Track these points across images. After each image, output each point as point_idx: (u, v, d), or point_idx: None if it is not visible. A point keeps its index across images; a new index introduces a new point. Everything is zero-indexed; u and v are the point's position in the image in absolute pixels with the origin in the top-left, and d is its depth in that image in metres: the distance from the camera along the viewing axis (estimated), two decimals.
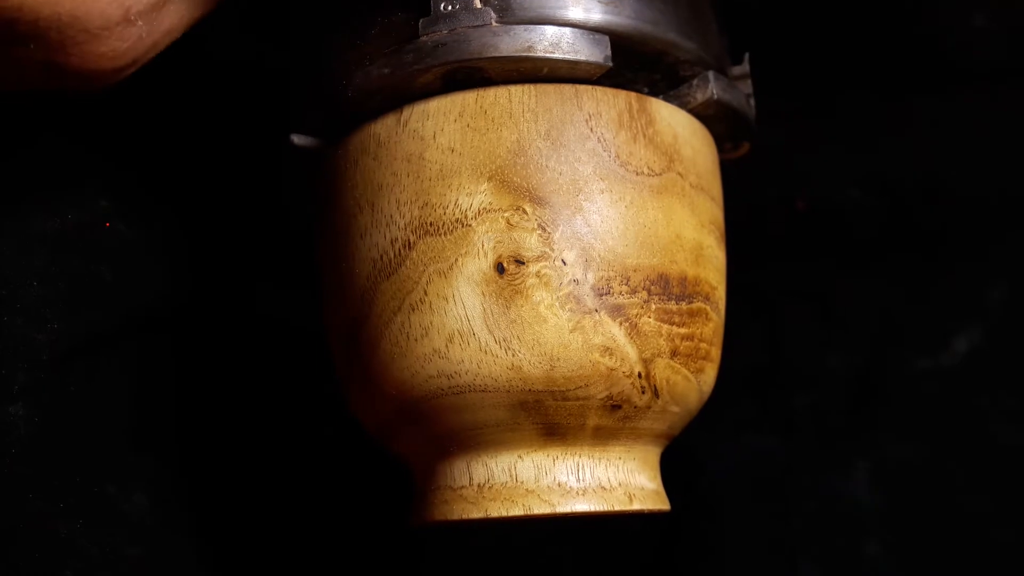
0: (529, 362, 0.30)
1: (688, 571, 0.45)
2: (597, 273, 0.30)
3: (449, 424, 0.31)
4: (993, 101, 0.45)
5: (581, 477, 0.31)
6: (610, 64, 0.30)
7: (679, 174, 0.31)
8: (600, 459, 0.31)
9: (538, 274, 0.30)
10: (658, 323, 0.30)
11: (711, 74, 0.33)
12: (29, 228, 0.39)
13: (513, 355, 0.30)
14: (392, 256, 0.30)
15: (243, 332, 0.42)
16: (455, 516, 0.31)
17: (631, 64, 0.32)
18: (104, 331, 0.40)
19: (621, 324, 0.30)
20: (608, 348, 0.30)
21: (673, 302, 0.31)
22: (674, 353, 0.31)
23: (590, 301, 0.30)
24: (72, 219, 0.40)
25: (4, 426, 0.37)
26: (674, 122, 0.32)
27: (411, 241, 0.30)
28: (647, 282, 0.30)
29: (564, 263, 0.30)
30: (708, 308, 0.32)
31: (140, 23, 0.30)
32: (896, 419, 0.44)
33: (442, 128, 0.30)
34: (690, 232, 0.31)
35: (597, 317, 0.30)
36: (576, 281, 0.30)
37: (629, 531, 0.45)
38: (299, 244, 0.40)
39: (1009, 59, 0.44)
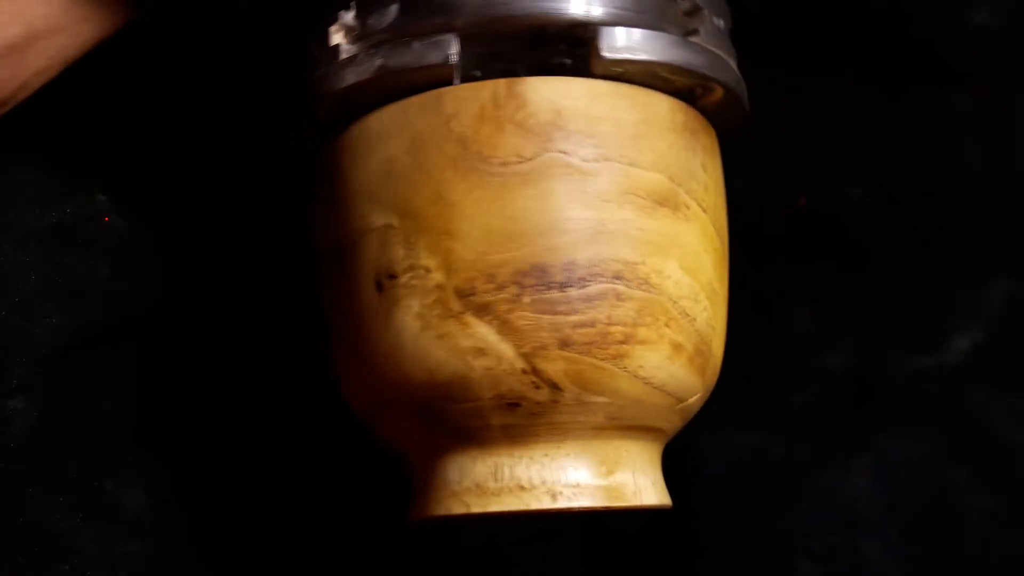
0: (413, 372, 0.30)
1: (686, 570, 0.44)
2: (460, 275, 0.30)
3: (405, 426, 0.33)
4: (993, 100, 0.45)
5: (498, 477, 0.31)
6: (454, 62, 0.30)
7: (562, 151, 0.30)
8: (521, 457, 0.31)
9: (406, 285, 0.30)
10: (536, 315, 0.29)
11: (602, 31, 0.31)
12: (27, 223, 0.39)
13: (400, 366, 0.31)
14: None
15: (241, 329, 0.42)
16: (428, 514, 0.32)
17: (533, 45, 0.31)
18: (102, 326, 0.40)
19: (490, 323, 0.29)
20: (480, 349, 0.29)
21: (556, 290, 0.30)
22: (565, 343, 0.30)
23: (455, 305, 0.29)
24: (70, 214, 0.40)
25: (2, 421, 0.38)
26: (557, 96, 0.30)
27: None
28: (517, 275, 0.29)
29: (427, 271, 0.30)
30: (622, 287, 0.30)
31: None
32: (895, 418, 0.44)
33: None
34: (580, 211, 0.30)
35: (463, 319, 0.29)
36: (440, 287, 0.30)
37: (627, 530, 0.44)
38: (297, 242, 0.40)
39: (1009, 58, 0.44)
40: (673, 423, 0.33)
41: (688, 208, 0.31)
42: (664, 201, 0.31)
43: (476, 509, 0.31)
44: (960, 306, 0.44)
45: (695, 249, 0.31)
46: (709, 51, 0.33)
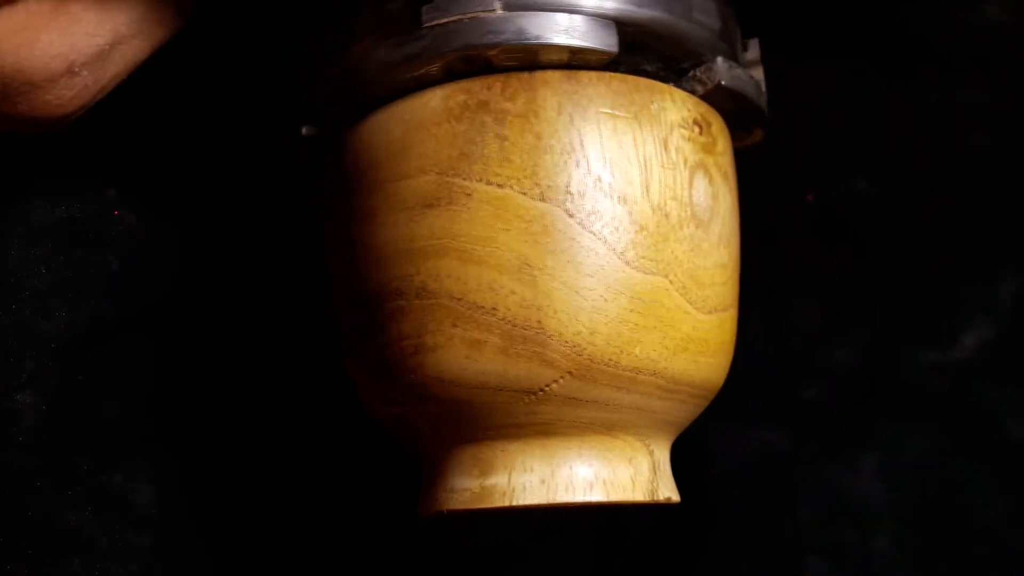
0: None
1: (695, 567, 0.44)
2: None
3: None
4: (1003, 93, 0.44)
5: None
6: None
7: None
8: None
9: None
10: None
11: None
12: (37, 217, 0.39)
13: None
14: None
15: (250, 324, 0.42)
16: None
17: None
18: (111, 321, 0.40)
19: None
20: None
21: (369, 317, 0.32)
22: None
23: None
24: (80, 208, 0.40)
25: (12, 414, 0.37)
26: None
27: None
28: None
29: None
30: (403, 302, 0.31)
31: (85, 73, 0.31)
32: (904, 413, 0.44)
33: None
34: (368, 238, 0.33)
35: None
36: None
37: (638, 527, 0.44)
38: (305, 237, 0.40)
39: (1019, 51, 0.44)
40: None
41: (470, 194, 0.30)
42: (435, 200, 0.31)
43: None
44: (969, 301, 0.43)
45: (482, 235, 0.30)
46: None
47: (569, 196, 0.30)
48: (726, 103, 0.34)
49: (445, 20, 0.30)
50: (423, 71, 0.31)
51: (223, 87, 0.43)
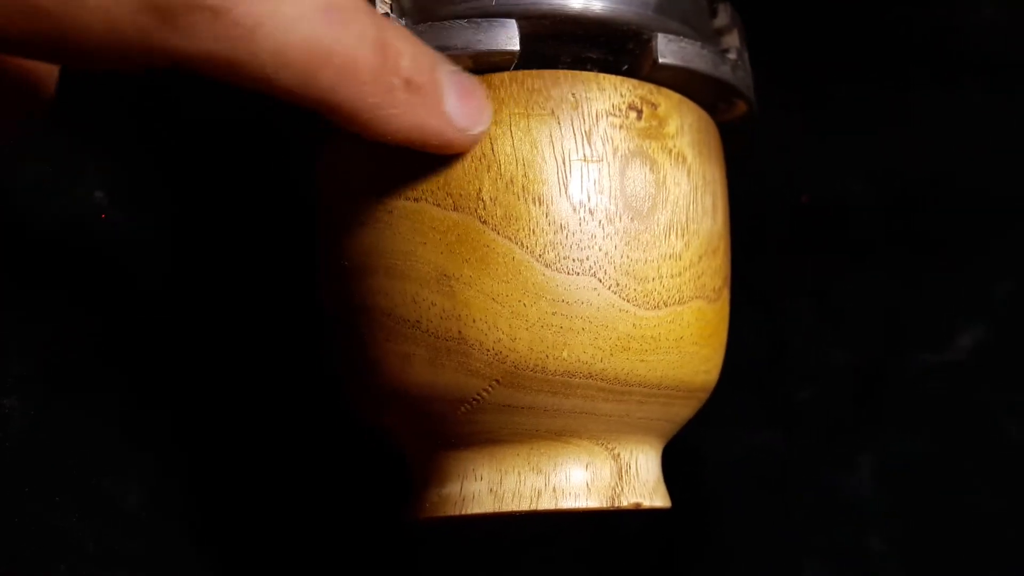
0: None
1: (691, 571, 0.43)
2: None
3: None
4: (1000, 93, 0.44)
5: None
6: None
7: None
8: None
9: None
10: None
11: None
12: (23, 218, 0.39)
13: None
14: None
15: (242, 325, 0.42)
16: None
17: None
18: (100, 322, 0.40)
19: None
20: None
21: None
22: None
23: None
24: (68, 209, 0.40)
25: None
26: None
27: None
28: None
29: None
30: (354, 318, 0.32)
31: None
32: (900, 414, 0.43)
33: None
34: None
35: None
36: None
37: (631, 528, 0.43)
38: (300, 237, 0.39)
39: (1017, 51, 0.43)
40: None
41: (391, 211, 0.31)
42: (365, 218, 0.31)
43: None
44: (966, 303, 0.43)
45: (403, 249, 0.30)
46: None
47: (481, 203, 0.30)
48: (680, 80, 0.32)
49: None
50: None
51: (212, 86, 0.42)
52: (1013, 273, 0.43)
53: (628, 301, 0.30)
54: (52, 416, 0.38)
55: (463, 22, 0.30)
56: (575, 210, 0.30)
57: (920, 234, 0.44)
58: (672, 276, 0.31)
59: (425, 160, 0.30)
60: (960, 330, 0.43)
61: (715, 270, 0.33)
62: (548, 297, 0.29)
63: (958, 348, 0.43)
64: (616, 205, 0.30)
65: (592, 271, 0.30)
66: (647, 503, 0.32)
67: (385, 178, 0.31)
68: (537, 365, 0.30)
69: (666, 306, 0.31)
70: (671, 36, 0.31)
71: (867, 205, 0.44)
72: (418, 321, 0.30)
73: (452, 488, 0.31)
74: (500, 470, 0.31)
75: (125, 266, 0.40)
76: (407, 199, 0.30)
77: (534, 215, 0.29)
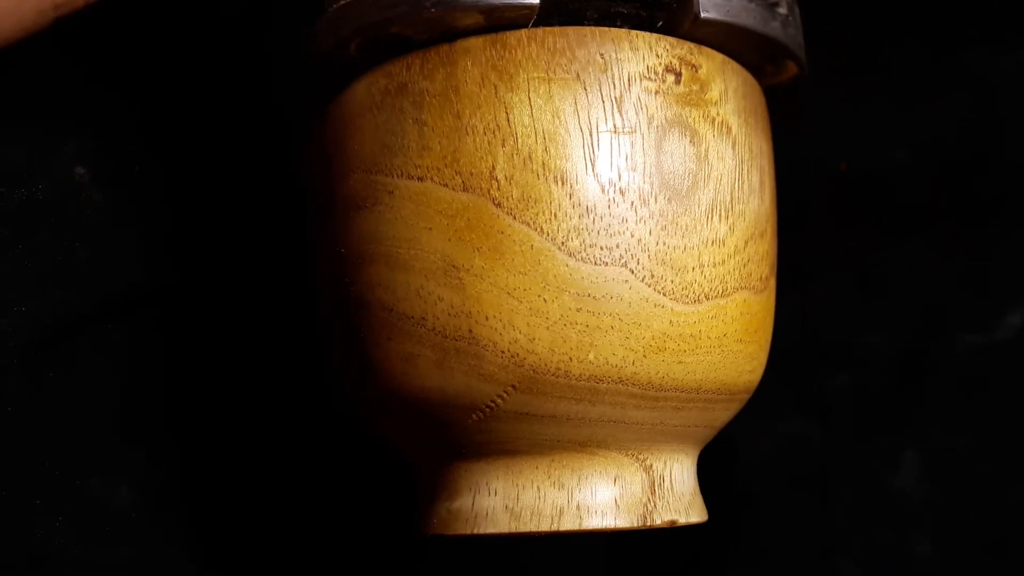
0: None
1: (719, 568, 0.40)
2: None
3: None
4: None
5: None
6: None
7: None
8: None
9: None
10: None
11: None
12: None
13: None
14: None
15: (234, 314, 0.39)
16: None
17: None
18: (80, 313, 0.37)
19: None
20: None
21: None
22: None
23: None
24: (42, 189, 0.37)
25: None
26: None
27: None
28: None
29: None
30: (349, 311, 0.29)
31: None
32: (945, 402, 0.40)
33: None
34: None
35: None
36: None
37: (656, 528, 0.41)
38: (298, 220, 0.37)
39: None
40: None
41: (392, 191, 0.27)
42: (362, 201, 0.28)
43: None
44: (1017, 281, 0.40)
45: (406, 236, 0.26)
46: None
47: (495, 182, 0.26)
48: (724, 38, 0.28)
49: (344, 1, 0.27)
50: (336, 58, 0.28)
51: (201, 64, 0.40)
52: None
53: (664, 295, 0.26)
54: (31, 414, 0.36)
55: None
56: (604, 190, 0.26)
57: (968, 207, 0.41)
58: (715, 265, 0.27)
59: (431, 132, 0.26)
60: (1011, 310, 0.40)
61: (762, 256, 0.29)
62: (572, 291, 0.26)
63: (1008, 328, 0.39)
64: (651, 184, 0.26)
65: (623, 261, 0.26)
66: (683, 519, 0.28)
67: (384, 153, 0.27)
68: (559, 369, 0.26)
69: (708, 299, 0.27)
70: None
71: (911, 176, 0.41)
72: (423, 318, 0.26)
73: (463, 503, 0.28)
74: (517, 484, 0.28)
75: (110, 249, 0.38)
76: (410, 178, 0.26)
77: (556, 196, 0.26)
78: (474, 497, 0.28)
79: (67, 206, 0.38)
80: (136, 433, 0.38)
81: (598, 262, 0.26)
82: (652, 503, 0.28)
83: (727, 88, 0.28)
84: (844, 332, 0.41)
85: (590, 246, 0.26)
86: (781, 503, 0.40)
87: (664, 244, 0.26)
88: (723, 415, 0.30)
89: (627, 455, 0.28)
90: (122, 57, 0.38)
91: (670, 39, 0.27)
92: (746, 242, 0.28)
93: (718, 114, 0.28)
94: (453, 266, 0.26)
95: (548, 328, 0.26)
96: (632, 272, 0.26)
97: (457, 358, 0.26)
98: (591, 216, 0.26)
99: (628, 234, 0.26)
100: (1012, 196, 0.40)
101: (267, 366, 0.39)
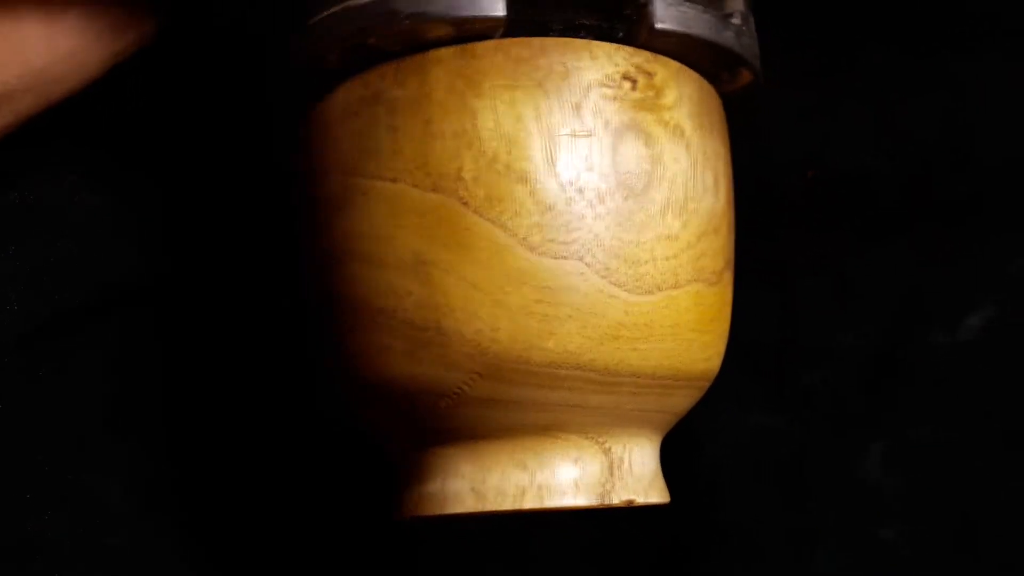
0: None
1: (692, 563, 0.41)
2: None
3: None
4: (1022, 59, 0.41)
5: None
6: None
7: None
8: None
9: None
10: None
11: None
12: None
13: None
14: None
15: (226, 309, 0.40)
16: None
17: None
18: (73, 310, 0.38)
19: None
20: None
21: None
22: None
23: None
24: (36, 190, 0.38)
25: None
26: None
27: None
28: None
29: None
30: (334, 309, 0.30)
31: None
32: (916, 398, 0.41)
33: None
34: None
35: None
36: None
37: (635, 522, 0.42)
38: (282, 219, 0.38)
39: None
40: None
41: (366, 193, 0.29)
42: (341, 202, 0.29)
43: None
44: (984, 281, 0.41)
45: (380, 234, 0.28)
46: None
47: (462, 183, 0.27)
48: (680, 47, 0.30)
49: (325, 13, 0.28)
50: (317, 68, 0.30)
51: (190, 65, 0.41)
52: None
53: (618, 286, 0.28)
54: (22, 409, 0.37)
55: None
56: (563, 189, 0.28)
57: (942, 209, 0.41)
58: (667, 258, 0.29)
59: (403, 137, 0.28)
60: (982, 310, 0.40)
61: (716, 251, 0.31)
62: (532, 283, 0.27)
63: (974, 329, 0.40)
64: (608, 183, 0.28)
65: (579, 255, 0.28)
66: (641, 499, 0.30)
67: (360, 157, 0.29)
68: (521, 357, 0.28)
69: (660, 290, 0.29)
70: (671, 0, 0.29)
71: (883, 178, 0.42)
72: (395, 311, 0.28)
73: (434, 486, 0.30)
74: (484, 467, 0.29)
75: (101, 246, 0.39)
76: (384, 179, 0.28)
77: (519, 195, 0.27)
78: (444, 480, 0.30)
79: (59, 207, 0.38)
80: (127, 429, 0.38)
81: (556, 256, 0.27)
82: (611, 483, 0.29)
83: (681, 94, 0.30)
84: (819, 330, 0.42)
85: (549, 241, 0.27)
86: (754, 495, 0.41)
87: (619, 239, 0.28)
88: (682, 402, 0.31)
89: (587, 438, 0.30)
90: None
91: (628, 49, 0.29)
92: (699, 237, 0.30)
93: (672, 118, 0.29)
94: (423, 261, 0.28)
95: (510, 319, 0.27)
96: (588, 265, 0.28)
97: (426, 348, 0.28)
98: (551, 213, 0.27)
99: (586, 230, 0.28)
100: (985, 199, 0.41)
101: (255, 363, 0.40)
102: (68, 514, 0.37)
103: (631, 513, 0.38)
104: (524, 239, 0.27)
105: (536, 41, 0.28)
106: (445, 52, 0.28)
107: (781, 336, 0.42)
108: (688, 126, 0.30)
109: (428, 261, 0.28)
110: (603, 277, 0.28)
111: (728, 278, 0.32)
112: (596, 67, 0.28)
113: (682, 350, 0.29)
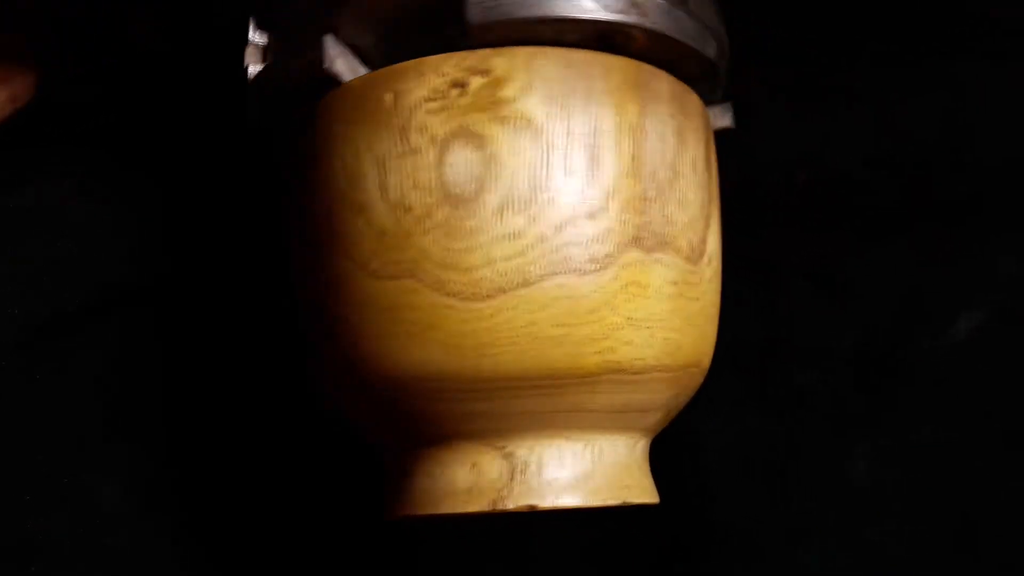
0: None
1: (682, 561, 0.39)
2: None
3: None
4: (1007, 70, 0.41)
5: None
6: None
7: None
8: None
9: None
10: None
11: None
12: None
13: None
14: None
15: (222, 310, 0.40)
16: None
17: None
18: (73, 311, 0.38)
19: None
20: None
21: None
22: None
23: None
24: (35, 192, 0.38)
25: None
26: None
27: None
28: None
29: None
30: None
31: None
32: (907, 399, 0.39)
33: None
34: None
35: None
36: None
37: (632, 523, 0.39)
38: (275, 221, 0.38)
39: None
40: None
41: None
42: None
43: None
44: (984, 282, 0.40)
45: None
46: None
47: (328, 224, 0.30)
48: (513, 33, 0.29)
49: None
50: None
51: (186, 65, 0.41)
52: (1018, 253, 0.40)
53: (452, 296, 0.28)
54: (21, 411, 0.37)
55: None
56: (392, 211, 0.29)
57: (938, 210, 0.41)
58: (508, 259, 0.28)
59: (311, 177, 0.31)
60: (976, 311, 0.40)
61: (594, 237, 0.28)
62: (376, 306, 0.29)
63: (963, 330, 0.39)
64: (434, 196, 0.28)
65: (411, 272, 0.28)
66: (545, 504, 0.29)
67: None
68: (387, 375, 0.29)
69: (503, 292, 0.28)
70: None
71: (882, 179, 0.41)
72: (319, 346, 0.32)
73: (391, 488, 0.32)
74: (414, 473, 0.31)
75: (99, 249, 0.39)
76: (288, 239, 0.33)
77: (358, 225, 0.29)
78: (388, 485, 0.32)
79: (59, 208, 0.39)
80: (126, 429, 0.38)
81: (393, 277, 0.29)
82: (508, 489, 0.29)
83: (531, 80, 0.29)
84: (810, 331, 0.41)
85: (385, 264, 0.29)
86: (744, 494, 0.40)
87: (447, 249, 0.28)
88: (595, 398, 0.29)
89: (486, 444, 0.30)
90: (114, 62, 0.40)
91: (461, 54, 0.29)
92: (561, 226, 0.28)
93: (514, 111, 0.28)
94: (321, 304, 0.31)
95: (368, 341, 0.29)
96: (420, 281, 0.28)
97: (350, 376, 0.31)
98: (385, 237, 0.29)
99: (414, 247, 0.28)
100: (980, 200, 0.41)
101: (254, 363, 0.39)
102: (67, 514, 0.37)
103: (631, 514, 0.35)
104: (365, 265, 0.29)
105: (368, 77, 0.30)
106: (326, 99, 0.31)
107: (775, 336, 0.41)
108: (540, 112, 0.28)
109: (321, 304, 0.31)
110: (436, 290, 0.28)
111: (626, 261, 0.29)
112: (422, 84, 0.29)
113: (548, 348, 0.28)
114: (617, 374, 0.29)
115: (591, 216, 0.28)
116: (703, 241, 0.31)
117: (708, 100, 0.34)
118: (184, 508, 0.38)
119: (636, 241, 0.29)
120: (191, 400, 0.39)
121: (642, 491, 0.31)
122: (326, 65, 0.30)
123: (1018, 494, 0.38)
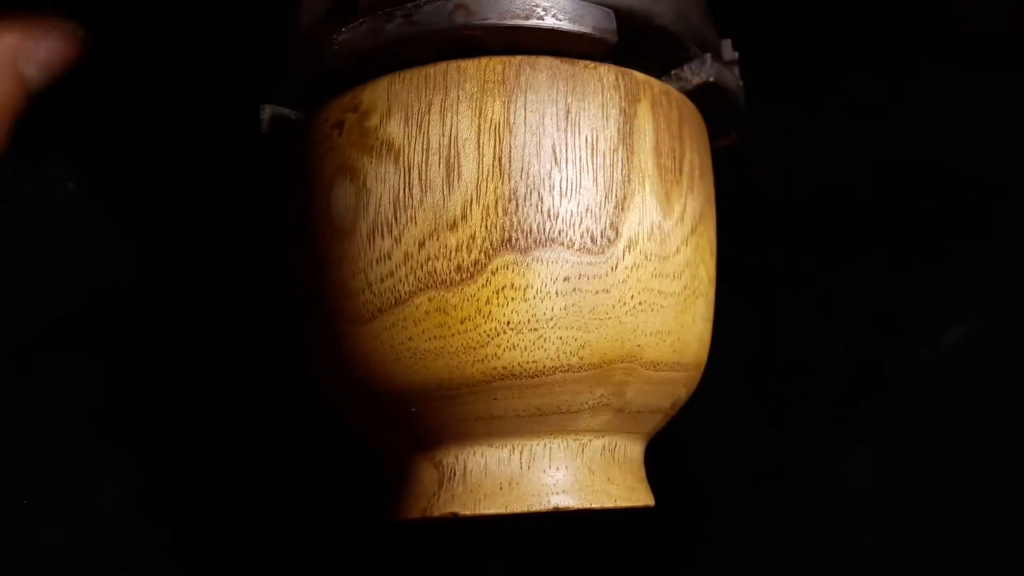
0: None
1: (678, 568, 0.40)
2: None
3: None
4: (1002, 78, 0.42)
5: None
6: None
7: None
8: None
9: None
10: None
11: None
12: None
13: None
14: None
15: (219, 318, 0.40)
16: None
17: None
18: (68, 318, 0.38)
19: None
20: None
21: None
22: None
23: None
24: (31, 198, 0.38)
25: None
26: None
27: None
28: None
29: None
30: None
31: None
32: (895, 408, 0.40)
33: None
34: None
35: None
36: None
37: (618, 526, 0.39)
38: (275, 228, 0.38)
39: (1018, 29, 0.41)
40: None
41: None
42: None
43: (465, 511, 0.32)
44: (962, 293, 0.41)
45: None
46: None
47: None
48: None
49: None
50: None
51: (192, 70, 0.41)
52: (1013, 262, 0.41)
53: (348, 321, 0.30)
54: (17, 416, 0.38)
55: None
56: (307, 249, 0.32)
57: (922, 223, 0.42)
58: (381, 280, 0.29)
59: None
60: (957, 321, 0.40)
61: (458, 245, 0.29)
62: (309, 339, 0.33)
63: (953, 341, 0.40)
64: (325, 234, 0.31)
65: (320, 300, 0.31)
66: (466, 511, 0.29)
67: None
68: (341, 393, 0.32)
69: (381, 313, 0.29)
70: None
71: (863, 193, 0.42)
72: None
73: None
74: (388, 480, 0.33)
75: (97, 255, 0.39)
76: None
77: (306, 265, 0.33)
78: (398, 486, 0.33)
79: (56, 213, 0.39)
80: (122, 435, 0.38)
81: (311, 303, 0.32)
82: (437, 496, 0.30)
83: (390, 105, 0.30)
84: (802, 342, 0.41)
85: (310, 293, 0.32)
86: (737, 502, 0.40)
87: (335, 278, 0.30)
88: (498, 404, 0.29)
89: (419, 453, 0.31)
90: (112, 65, 0.40)
91: (340, 96, 0.31)
92: (422, 243, 0.29)
93: (377, 139, 0.30)
94: None
95: (323, 371, 0.32)
96: (327, 308, 0.31)
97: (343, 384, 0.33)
98: (311, 269, 0.32)
99: (321, 278, 0.31)
100: (960, 214, 0.41)
101: (249, 369, 0.39)
102: (64, 520, 0.37)
103: (632, 515, 0.32)
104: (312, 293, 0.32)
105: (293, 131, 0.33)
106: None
107: (764, 347, 0.41)
108: (399, 135, 0.29)
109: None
110: (336, 316, 0.30)
111: (499, 265, 0.28)
112: (317, 131, 0.31)
113: (429, 361, 0.29)
114: (510, 379, 0.29)
115: (452, 227, 0.29)
116: (611, 227, 0.29)
117: (677, 62, 0.32)
118: (179, 513, 0.38)
119: (507, 243, 0.28)
120: (190, 402, 0.39)
121: (592, 494, 0.30)
122: (263, 130, 0.33)
123: (1009, 500, 0.38)
